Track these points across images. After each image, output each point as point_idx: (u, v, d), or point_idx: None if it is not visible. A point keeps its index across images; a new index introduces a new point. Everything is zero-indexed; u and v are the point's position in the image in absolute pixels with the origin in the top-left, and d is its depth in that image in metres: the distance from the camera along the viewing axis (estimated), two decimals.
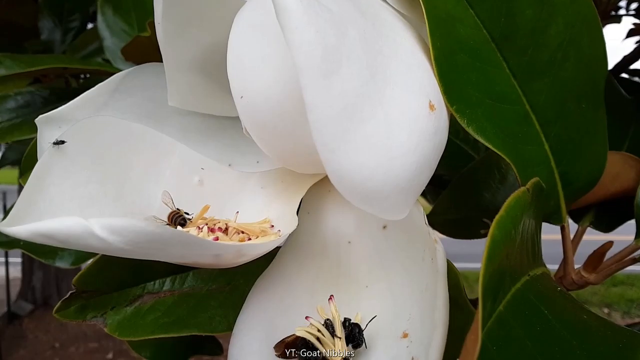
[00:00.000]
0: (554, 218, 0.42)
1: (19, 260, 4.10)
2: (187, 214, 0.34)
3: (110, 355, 3.37)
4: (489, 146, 0.33)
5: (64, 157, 0.31)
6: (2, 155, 1.09)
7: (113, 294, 0.42)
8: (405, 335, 0.29)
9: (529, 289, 0.33)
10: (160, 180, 0.36)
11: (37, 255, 0.69)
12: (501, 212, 0.26)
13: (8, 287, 3.84)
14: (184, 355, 0.50)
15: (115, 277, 0.41)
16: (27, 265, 3.96)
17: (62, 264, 0.68)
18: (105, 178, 0.33)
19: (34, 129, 0.38)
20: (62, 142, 0.32)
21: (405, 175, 0.28)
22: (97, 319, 0.42)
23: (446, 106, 0.31)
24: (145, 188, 0.34)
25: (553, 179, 0.40)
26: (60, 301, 0.41)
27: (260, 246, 0.29)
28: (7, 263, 3.93)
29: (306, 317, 0.32)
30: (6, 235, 0.80)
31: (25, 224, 0.23)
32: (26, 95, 0.97)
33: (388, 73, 0.27)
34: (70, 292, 0.41)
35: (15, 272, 4.26)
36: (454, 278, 0.32)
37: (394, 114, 0.27)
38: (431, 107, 0.29)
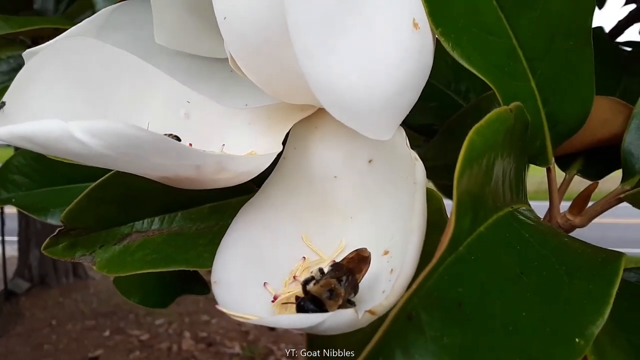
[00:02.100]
0: (540, 159, 0.42)
1: (15, 239, 4.11)
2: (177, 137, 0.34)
3: (107, 333, 3.39)
4: (475, 72, 0.33)
5: (46, 71, 0.31)
6: None
7: (101, 232, 0.42)
8: (386, 253, 0.29)
9: (511, 217, 0.33)
10: (146, 110, 0.36)
11: (29, 211, 0.69)
12: (481, 122, 0.26)
13: (5, 265, 3.85)
14: (171, 296, 0.50)
15: (104, 214, 0.41)
16: (24, 244, 3.97)
17: (54, 220, 0.68)
18: (89, 99, 0.33)
19: None
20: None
21: (388, 90, 0.28)
22: (86, 257, 0.42)
23: (431, 28, 0.31)
24: (129, 116, 0.34)
25: (539, 118, 0.40)
26: (48, 238, 0.41)
27: (241, 160, 0.29)
28: (3, 242, 3.93)
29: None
30: None
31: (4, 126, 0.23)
32: (19, 59, 0.96)
33: None
34: (59, 229, 0.41)
35: (12, 251, 4.27)
36: (436, 203, 0.33)
37: (377, 28, 0.27)
38: (415, 25, 0.29)
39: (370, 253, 0.29)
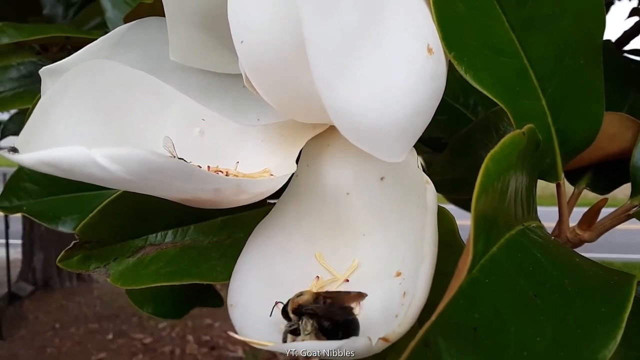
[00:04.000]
0: (550, 175, 0.42)
1: (19, 242, 4.12)
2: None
3: (110, 336, 3.40)
4: (487, 94, 0.33)
5: (67, 96, 0.31)
6: (4, 127, 1.10)
7: (115, 245, 0.43)
8: (398, 274, 0.30)
9: (522, 236, 0.33)
10: (162, 129, 0.36)
11: (41, 219, 0.69)
12: (495, 148, 0.26)
13: (9, 268, 3.86)
14: (185, 308, 0.50)
15: (118, 227, 0.42)
16: (28, 247, 3.99)
17: (65, 228, 0.68)
18: (107, 121, 0.33)
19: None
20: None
21: (402, 116, 0.28)
22: (100, 270, 0.42)
23: (445, 53, 0.31)
24: (146, 135, 0.35)
25: (550, 136, 0.41)
26: (63, 251, 0.42)
27: (260, 183, 0.30)
28: (7, 244, 3.95)
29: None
30: (9, 201, 0.80)
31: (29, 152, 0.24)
32: (29, 65, 0.97)
33: (386, 14, 0.28)
34: (74, 242, 0.42)
35: (16, 254, 4.29)
36: (448, 223, 0.33)
37: (392, 54, 0.27)
38: (429, 50, 0.29)
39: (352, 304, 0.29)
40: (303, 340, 0.27)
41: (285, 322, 0.28)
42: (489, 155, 0.25)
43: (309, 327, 0.27)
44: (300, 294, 0.28)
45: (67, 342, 3.32)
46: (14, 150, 0.28)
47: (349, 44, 0.26)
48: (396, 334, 0.23)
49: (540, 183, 0.42)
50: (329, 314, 0.27)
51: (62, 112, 0.31)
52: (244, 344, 3.21)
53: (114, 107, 0.34)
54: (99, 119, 0.33)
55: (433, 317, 0.20)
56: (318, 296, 0.28)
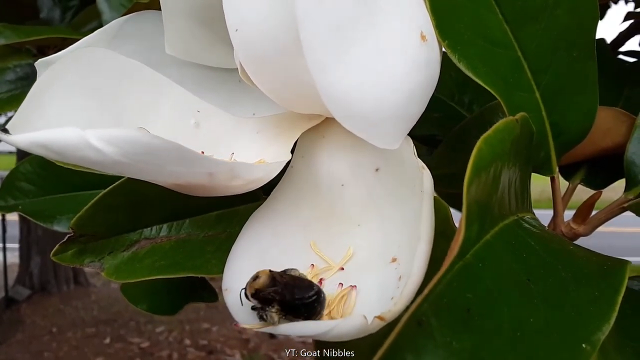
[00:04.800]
0: (544, 169, 0.43)
1: (16, 246, 4.11)
2: None
3: (107, 341, 3.39)
4: (481, 83, 0.34)
5: (61, 81, 0.31)
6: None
7: (110, 239, 0.43)
8: (394, 260, 0.30)
9: (517, 226, 0.33)
10: (157, 119, 0.37)
11: (36, 218, 0.69)
12: (489, 132, 0.26)
13: (6, 272, 3.85)
14: (180, 303, 0.50)
15: (113, 221, 0.42)
16: (25, 251, 3.98)
17: (60, 227, 0.68)
18: (101, 109, 0.33)
19: None
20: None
21: (396, 102, 0.28)
22: (94, 264, 0.42)
23: (438, 41, 0.32)
24: (140, 125, 0.35)
25: (544, 128, 0.41)
26: (57, 245, 0.42)
27: (254, 168, 0.30)
28: (4, 249, 3.94)
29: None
30: (5, 200, 0.80)
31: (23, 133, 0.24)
32: (25, 68, 0.97)
33: (379, 1, 0.28)
34: (68, 235, 0.42)
35: (13, 258, 4.27)
36: (443, 211, 0.33)
37: (385, 40, 0.28)
38: (423, 37, 0.29)
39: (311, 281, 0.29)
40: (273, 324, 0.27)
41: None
42: (482, 138, 0.25)
43: (275, 317, 0.27)
44: (257, 277, 0.28)
45: (64, 347, 3.31)
46: (5, 131, 0.27)
47: (343, 29, 0.26)
48: (392, 313, 0.23)
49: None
50: (289, 295, 0.27)
51: (55, 97, 0.31)
52: (242, 348, 3.21)
53: (109, 95, 0.34)
54: (93, 106, 0.33)
55: (425, 291, 0.20)
56: (274, 277, 0.28)
